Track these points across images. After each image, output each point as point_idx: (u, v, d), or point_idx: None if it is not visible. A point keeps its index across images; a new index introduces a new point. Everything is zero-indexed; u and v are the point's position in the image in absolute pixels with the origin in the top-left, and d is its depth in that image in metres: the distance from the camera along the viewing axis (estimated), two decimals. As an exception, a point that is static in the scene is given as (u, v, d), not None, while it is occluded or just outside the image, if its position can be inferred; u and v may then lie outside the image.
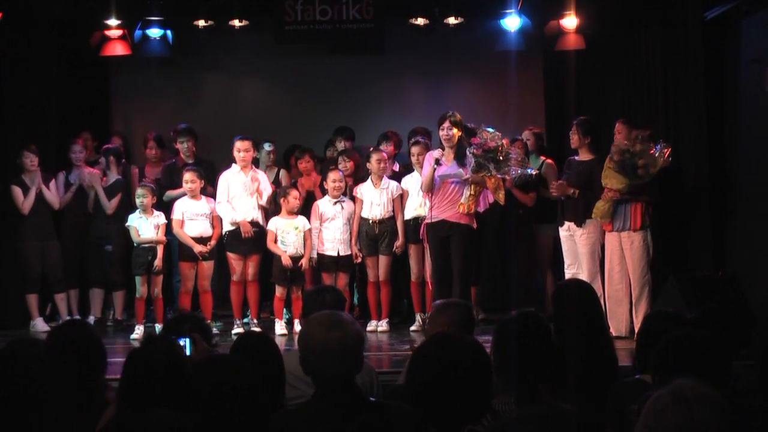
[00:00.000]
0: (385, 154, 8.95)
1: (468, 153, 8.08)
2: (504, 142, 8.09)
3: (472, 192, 8.16)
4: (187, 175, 8.73)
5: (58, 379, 3.60)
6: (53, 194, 9.20)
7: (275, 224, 8.69)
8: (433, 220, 8.21)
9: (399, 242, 8.77)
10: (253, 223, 8.75)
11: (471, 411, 2.98)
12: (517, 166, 8.11)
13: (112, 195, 9.17)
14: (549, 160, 9.14)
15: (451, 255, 8.17)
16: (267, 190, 8.86)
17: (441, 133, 8.25)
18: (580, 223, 8.28)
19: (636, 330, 7.89)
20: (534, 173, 8.48)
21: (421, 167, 8.46)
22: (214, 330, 8.75)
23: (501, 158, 7.99)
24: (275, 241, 8.65)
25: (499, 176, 8.07)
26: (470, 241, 8.28)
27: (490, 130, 8.12)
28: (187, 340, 3.89)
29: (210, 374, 3.00)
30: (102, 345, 3.83)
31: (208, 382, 2.96)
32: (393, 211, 8.82)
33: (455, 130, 8.17)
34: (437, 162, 8.13)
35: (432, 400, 2.93)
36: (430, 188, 8.20)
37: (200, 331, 3.98)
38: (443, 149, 8.27)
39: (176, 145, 9.43)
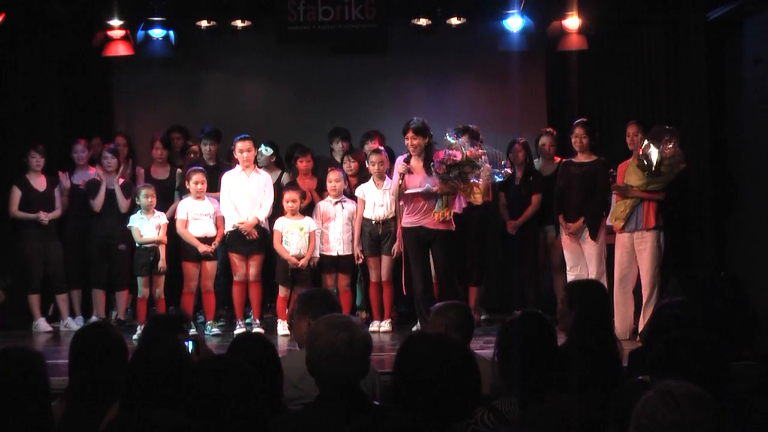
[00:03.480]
0: (385, 155, 8.95)
1: (432, 169, 7.94)
2: (468, 153, 7.86)
3: (444, 202, 8.04)
4: (197, 176, 8.77)
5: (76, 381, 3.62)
6: (57, 197, 9.23)
7: (281, 224, 8.71)
8: (410, 225, 8.12)
9: (396, 244, 8.71)
10: (256, 226, 8.77)
11: (457, 409, 3.00)
12: (488, 167, 7.97)
13: (125, 195, 9.17)
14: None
15: (434, 261, 8.12)
16: (269, 195, 8.87)
17: (406, 142, 8.13)
18: (594, 236, 8.24)
19: (639, 331, 7.93)
20: (508, 170, 8.44)
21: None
22: (215, 330, 8.80)
23: (466, 169, 7.83)
24: (281, 242, 8.68)
25: (473, 182, 7.91)
26: (452, 245, 8.19)
27: (451, 139, 7.92)
28: (191, 342, 3.90)
29: (209, 376, 3.02)
30: (125, 347, 3.79)
31: (207, 384, 2.97)
32: (396, 211, 8.83)
33: (419, 139, 8.04)
34: (402, 177, 8.04)
35: (417, 399, 2.95)
36: (400, 198, 8.14)
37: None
38: (408, 161, 8.11)
39: (199, 146, 9.51)
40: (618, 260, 8.15)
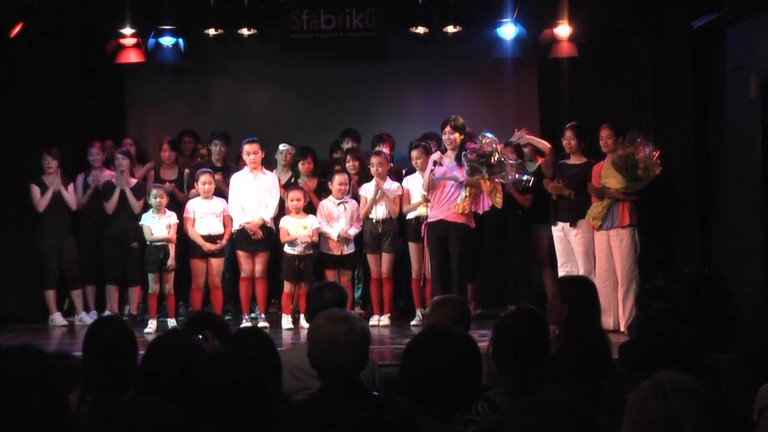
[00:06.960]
0: (386, 157, 8.96)
1: (462, 157, 8.10)
2: (499, 147, 8.10)
3: (467, 194, 8.17)
4: (204, 177, 8.77)
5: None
6: (71, 196, 9.23)
7: (286, 223, 8.71)
8: (432, 220, 8.24)
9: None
10: (262, 226, 8.75)
11: (463, 399, 3.00)
12: (512, 171, 8.10)
13: (137, 195, 9.15)
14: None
15: (450, 253, 8.18)
16: (275, 195, 8.86)
17: (444, 137, 8.37)
18: (573, 224, 8.29)
19: (622, 324, 7.95)
20: (529, 179, 8.46)
21: (422, 170, 8.52)
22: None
23: (494, 163, 7.99)
24: (288, 235, 8.68)
25: (496, 180, 8.08)
26: (467, 240, 8.27)
27: (489, 135, 8.14)
28: (199, 336, 3.88)
29: (218, 367, 2.99)
30: (135, 340, 3.75)
31: (216, 375, 2.95)
32: (390, 211, 8.83)
33: (456, 134, 8.24)
34: (435, 163, 8.19)
35: (426, 390, 2.94)
36: (430, 188, 8.26)
37: (217, 330, 3.97)
38: (444, 152, 8.34)
39: (207, 147, 9.48)
40: (597, 256, 8.18)
